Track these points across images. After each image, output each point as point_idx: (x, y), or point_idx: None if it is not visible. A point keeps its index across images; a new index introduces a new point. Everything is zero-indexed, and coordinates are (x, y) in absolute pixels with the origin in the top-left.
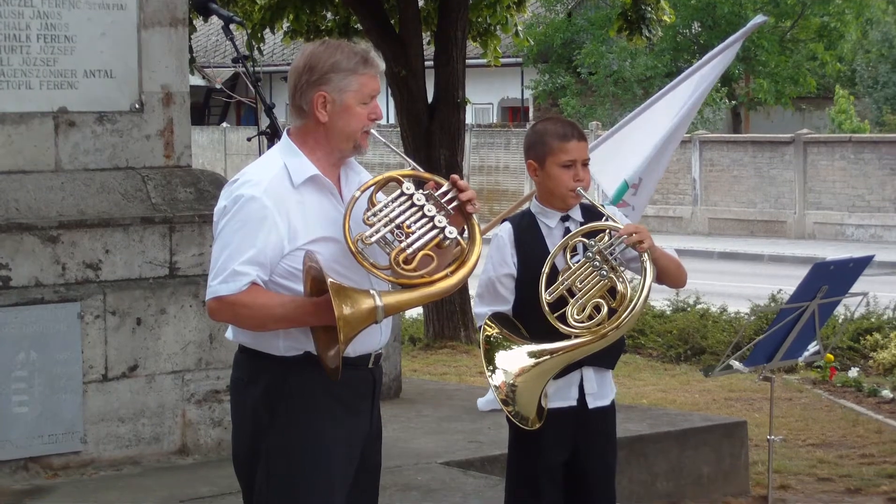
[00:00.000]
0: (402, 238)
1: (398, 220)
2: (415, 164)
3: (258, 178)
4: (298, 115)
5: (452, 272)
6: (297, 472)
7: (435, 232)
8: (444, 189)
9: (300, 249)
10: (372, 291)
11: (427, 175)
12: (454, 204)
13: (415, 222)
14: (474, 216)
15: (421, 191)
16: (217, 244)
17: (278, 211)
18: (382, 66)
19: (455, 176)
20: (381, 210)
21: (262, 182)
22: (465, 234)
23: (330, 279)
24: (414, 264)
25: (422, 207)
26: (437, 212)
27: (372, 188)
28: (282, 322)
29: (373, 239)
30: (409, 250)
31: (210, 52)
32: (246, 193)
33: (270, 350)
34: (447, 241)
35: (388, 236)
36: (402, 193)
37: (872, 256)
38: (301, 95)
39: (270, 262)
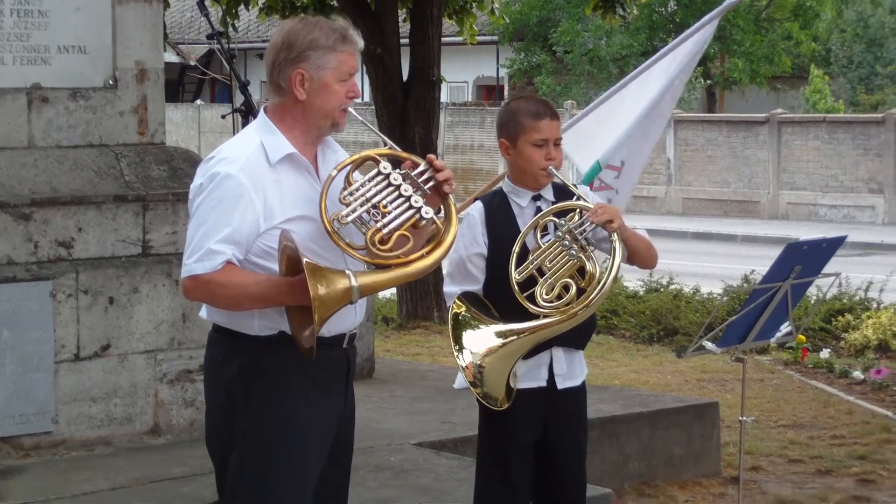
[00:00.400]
0: (379, 218)
1: (374, 200)
2: (392, 143)
3: (234, 155)
4: (276, 92)
5: (428, 252)
6: (270, 451)
7: (411, 212)
8: (420, 169)
9: (276, 228)
10: (347, 271)
11: (404, 154)
12: (431, 184)
13: (391, 202)
14: (450, 196)
15: (398, 170)
16: (192, 222)
17: (254, 189)
18: (361, 43)
19: (431, 156)
20: (357, 189)
21: (239, 160)
22: (441, 214)
23: (305, 259)
24: (390, 244)
25: (398, 187)
26: (414, 191)
27: (349, 167)
28: (257, 301)
29: (349, 219)
30: (385, 230)
31: (185, 29)
32: (222, 171)
33: (245, 329)
34: (423, 222)
35: (365, 216)
36: (379, 173)
37: (845, 237)
38: (279, 73)
39: (246, 241)
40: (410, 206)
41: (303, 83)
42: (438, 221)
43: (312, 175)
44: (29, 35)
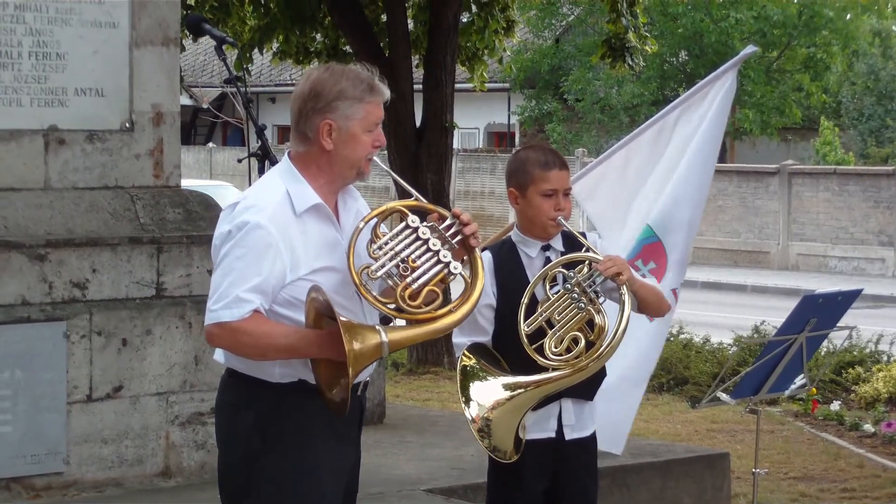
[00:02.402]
0: (408, 273)
1: (403, 254)
2: (417, 195)
3: (262, 204)
4: (302, 141)
5: (455, 308)
6: (289, 499)
7: (440, 267)
8: (448, 222)
9: (302, 279)
10: (377, 327)
11: (430, 206)
12: (458, 238)
13: (419, 256)
14: (476, 250)
15: (425, 223)
16: (219, 269)
17: (283, 239)
18: (388, 93)
19: (457, 209)
20: (386, 243)
21: (267, 209)
22: (467, 269)
23: (342, 317)
24: (419, 300)
25: (426, 241)
26: (442, 245)
27: (375, 219)
28: (284, 353)
29: (379, 273)
30: (415, 285)
31: (198, 72)
32: (251, 220)
33: (265, 376)
34: (452, 277)
35: (392, 270)
36: (408, 226)
37: (861, 290)
38: (306, 122)
39: (273, 292)
40: (439, 261)
41: (330, 133)
42: (465, 276)
43: (335, 225)
44: (47, 77)
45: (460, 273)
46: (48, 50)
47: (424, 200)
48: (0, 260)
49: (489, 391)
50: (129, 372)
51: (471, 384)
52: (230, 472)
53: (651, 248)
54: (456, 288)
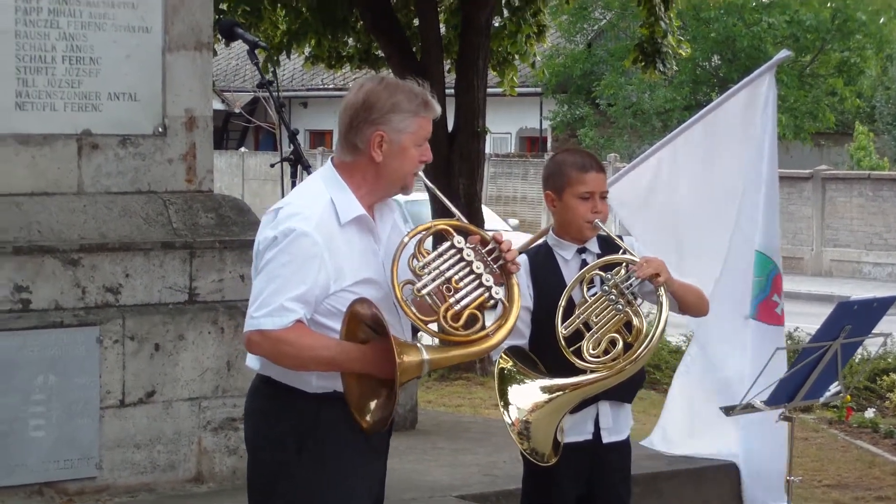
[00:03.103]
0: (451, 294)
1: (448, 275)
2: (460, 215)
3: (308, 211)
4: (350, 151)
5: (493, 332)
6: None
7: (481, 290)
8: (490, 247)
9: (344, 290)
10: (419, 346)
11: (472, 228)
12: (499, 263)
13: (463, 278)
14: (514, 277)
15: (468, 245)
16: (262, 276)
17: (328, 249)
18: (439, 110)
19: (498, 234)
20: (431, 262)
21: (313, 217)
22: (505, 293)
23: (394, 335)
24: (461, 321)
25: (470, 264)
26: (484, 269)
27: (421, 234)
28: (324, 365)
29: (424, 292)
30: (458, 307)
31: (230, 77)
32: (298, 228)
33: (302, 386)
34: (492, 301)
35: (435, 290)
36: (453, 246)
37: None
38: (356, 133)
39: (316, 302)
40: (481, 285)
41: (381, 145)
42: (505, 302)
43: (376, 236)
44: (80, 82)
45: (500, 299)
46: (82, 55)
47: (466, 221)
48: (34, 264)
49: (528, 394)
50: (161, 377)
51: (509, 387)
52: (261, 479)
53: (777, 280)
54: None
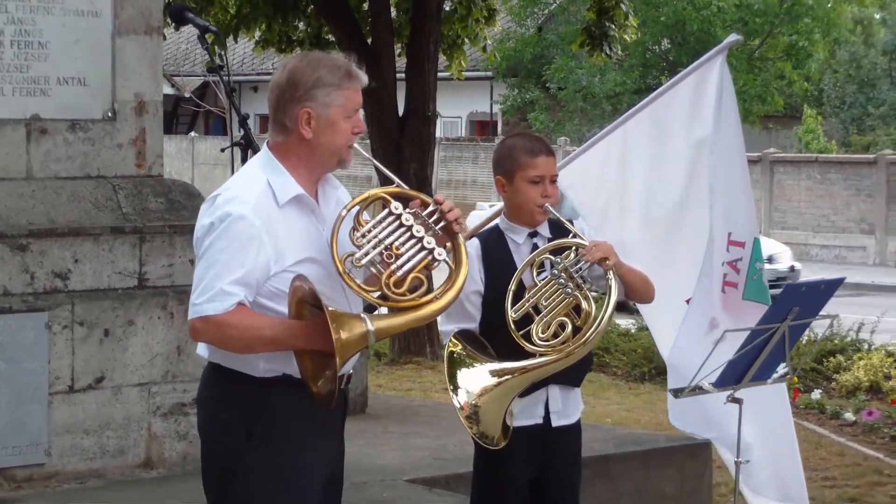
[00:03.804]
0: (392, 260)
1: (387, 242)
2: (399, 181)
3: (244, 195)
4: (280, 131)
5: (440, 294)
6: (277, 492)
7: (424, 253)
8: (430, 209)
9: (286, 271)
10: (363, 316)
11: (413, 193)
12: (441, 224)
13: (403, 243)
14: (460, 236)
15: (408, 210)
16: (202, 262)
17: (266, 231)
18: (365, 79)
19: (440, 196)
20: (369, 231)
21: (249, 200)
22: (451, 255)
23: (329, 307)
24: (404, 287)
25: (410, 228)
26: (425, 232)
27: (358, 206)
28: (270, 345)
29: (363, 261)
30: (400, 273)
31: (179, 61)
32: (234, 211)
33: (249, 370)
34: (436, 263)
35: (377, 258)
36: (391, 213)
37: (843, 279)
38: (284, 111)
39: (257, 284)
40: (423, 248)
41: (309, 122)
42: (449, 262)
43: (318, 214)
44: (29, 66)
45: (444, 259)
46: (30, 39)
47: (406, 187)
48: None
49: (477, 377)
50: (111, 363)
51: (458, 371)
52: (214, 465)
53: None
54: (439, 275)
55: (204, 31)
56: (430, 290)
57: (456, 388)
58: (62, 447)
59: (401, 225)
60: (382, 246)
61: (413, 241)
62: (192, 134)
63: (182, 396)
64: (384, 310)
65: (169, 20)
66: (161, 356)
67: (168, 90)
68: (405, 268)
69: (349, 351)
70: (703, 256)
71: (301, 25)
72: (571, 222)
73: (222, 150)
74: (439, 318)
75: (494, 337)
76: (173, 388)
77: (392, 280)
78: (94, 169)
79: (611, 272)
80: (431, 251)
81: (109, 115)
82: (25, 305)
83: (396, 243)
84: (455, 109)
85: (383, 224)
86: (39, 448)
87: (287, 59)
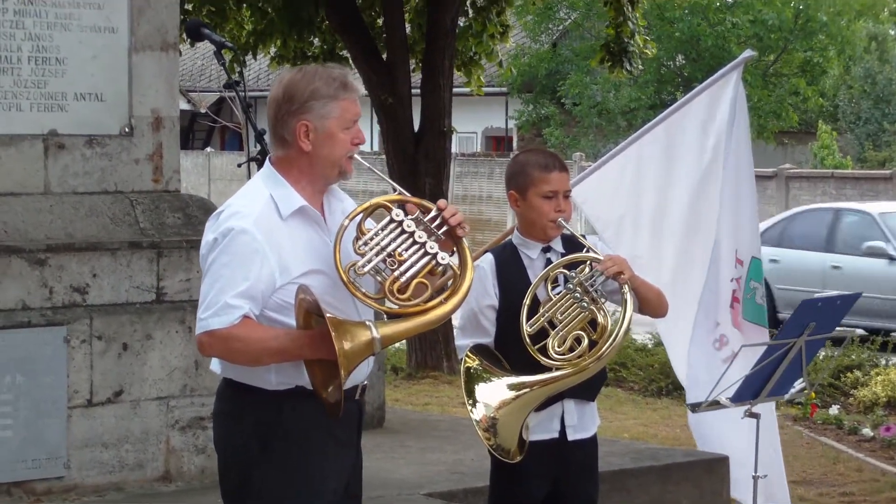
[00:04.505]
0: (395, 266)
1: (389, 249)
2: (401, 189)
3: (247, 210)
4: (280, 145)
5: (446, 299)
6: None
7: (427, 258)
8: (432, 214)
9: (292, 283)
10: (368, 323)
11: (414, 200)
12: (444, 229)
13: (406, 249)
14: (464, 240)
15: (410, 216)
16: (207, 278)
17: (269, 244)
18: (362, 89)
19: (442, 201)
20: (371, 238)
21: (251, 214)
22: (456, 260)
23: (328, 314)
24: (408, 293)
25: (412, 234)
26: (428, 237)
27: (360, 215)
28: (276, 356)
29: (366, 269)
30: (403, 279)
31: (195, 77)
32: (236, 226)
33: (261, 384)
34: (440, 268)
35: (381, 265)
36: (392, 220)
37: (860, 294)
38: (282, 125)
39: (262, 296)
40: (426, 253)
41: (307, 134)
42: (454, 267)
43: (322, 226)
44: (46, 82)
45: (448, 264)
46: (48, 55)
47: (408, 194)
48: (0, 265)
49: (494, 391)
50: (129, 377)
51: (476, 385)
52: (231, 479)
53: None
54: None
55: (220, 47)
56: (433, 295)
57: (475, 402)
58: (81, 460)
59: (403, 231)
60: (385, 253)
61: (416, 246)
62: (208, 149)
63: (200, 410)
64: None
65: (185, 36)
66: (179, 370)
67: (184, 106)
68: (408, 273)
69: (354, 359)
70: (718, 273)
71: (316, 41)
72: (585, 237)
73: (239, 166)
74: (455, 333)
75: (509, 351)
76: (191, 402)
77: (396, 286)
78: (111, 184)
79: (626, 286)
80: (434, 255)
81: (126, 130)
82: (44, 320)
83: (399, 249)
84: (470, 125)
85: (385, 231)
86: (59, 461)
87: (283, 73)
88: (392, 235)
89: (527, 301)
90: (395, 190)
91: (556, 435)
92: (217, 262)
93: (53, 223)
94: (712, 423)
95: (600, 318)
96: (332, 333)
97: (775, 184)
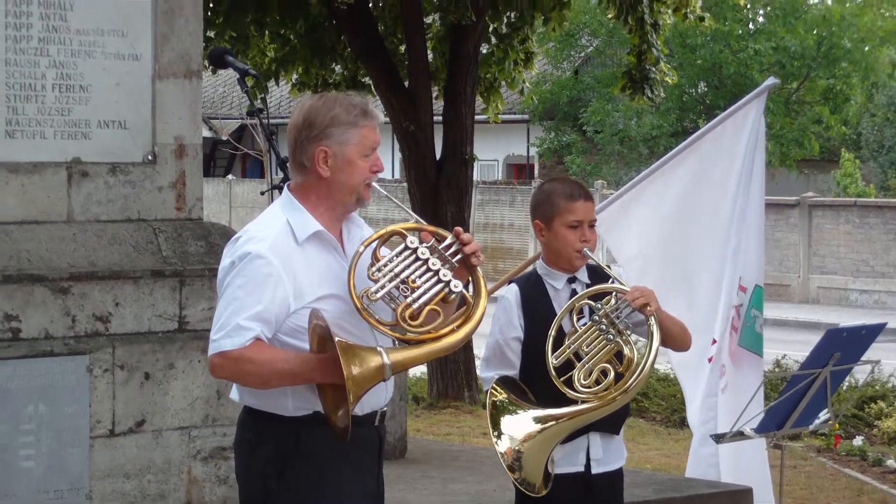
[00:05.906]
0: (408, 293)
1: (403, 275)
2: (417, 217)
3: (262, 234)
4: (299, 171)
5: (458, 327)
6: None
7: (440, 286)
8: (447, 242)
9: (306, 308)
10: (379, 348)
11: (430, 228)
12: (458, 257)
13: (419, 276)
14: (478, 269)
15: (424, 244)
16: (222, 300)
17: (284, 268)
18: (381, 117)
19: (458, 228)
20: (385, 265)
21: (267, 239)
22: (470, 288)
23: (337, 338)
24: (420, 320)
25: (426, 261)
26: (442, 265)
27: (375, 242)
28: (286, 378)
29: (378, 295)
30: (416, 305)
31: (217, 104)
32: (252, 250)
33: (279, 410)
34: (452, 295)
35: (394, 291)
36: (406, 247)
37: (885, 324)
38: (301, 151)
39: (276, 320)
40: (439, 280)
41: (326, 160)
42: (467, 295)
43: (339, 252)
44: (70, 110)
45: (461, 291)
46: (72, 82)
47: (424, 222)
48: (23, 293)
49: (520, 424)
50: (151, 406)
51: (502, 418)
52: None
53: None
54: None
55: (244, 74)
56: (444, 323)
57: (500, 435)
58: (103, 491)
59: (417, 258)
60: (398, 279)
61: (429, 273)
62: (230, 177)
63: (222, 440)
64: None
65: (206, 63)
66: (201, 399)
67: (206, 133)
68: (421, 300)
69: (363, 384)
70: (720, 301)
71: (338, 68)
72: (610, 267)
73: (262, 193)
74: (479, 365)
75: (535, 383)
76: (213, 432)
77: (408, 313)
78: (134, 212)
79: (652, 318)
80: (447, 283)
81: (150, 158)
82: (67, 349)
83: (412, 276)
84: (492, 152)
85: (399, 258)
86: (81, 492)
87: (303, 99)
88: (406, 262)
89: (552, 332)
90: (411, 218)
91: (581, 468)
92: (232, 284)
93: (76, 251)
94: (708, 452)
95: (626, 351)
96: (341, 358)
97: (798, 212)
